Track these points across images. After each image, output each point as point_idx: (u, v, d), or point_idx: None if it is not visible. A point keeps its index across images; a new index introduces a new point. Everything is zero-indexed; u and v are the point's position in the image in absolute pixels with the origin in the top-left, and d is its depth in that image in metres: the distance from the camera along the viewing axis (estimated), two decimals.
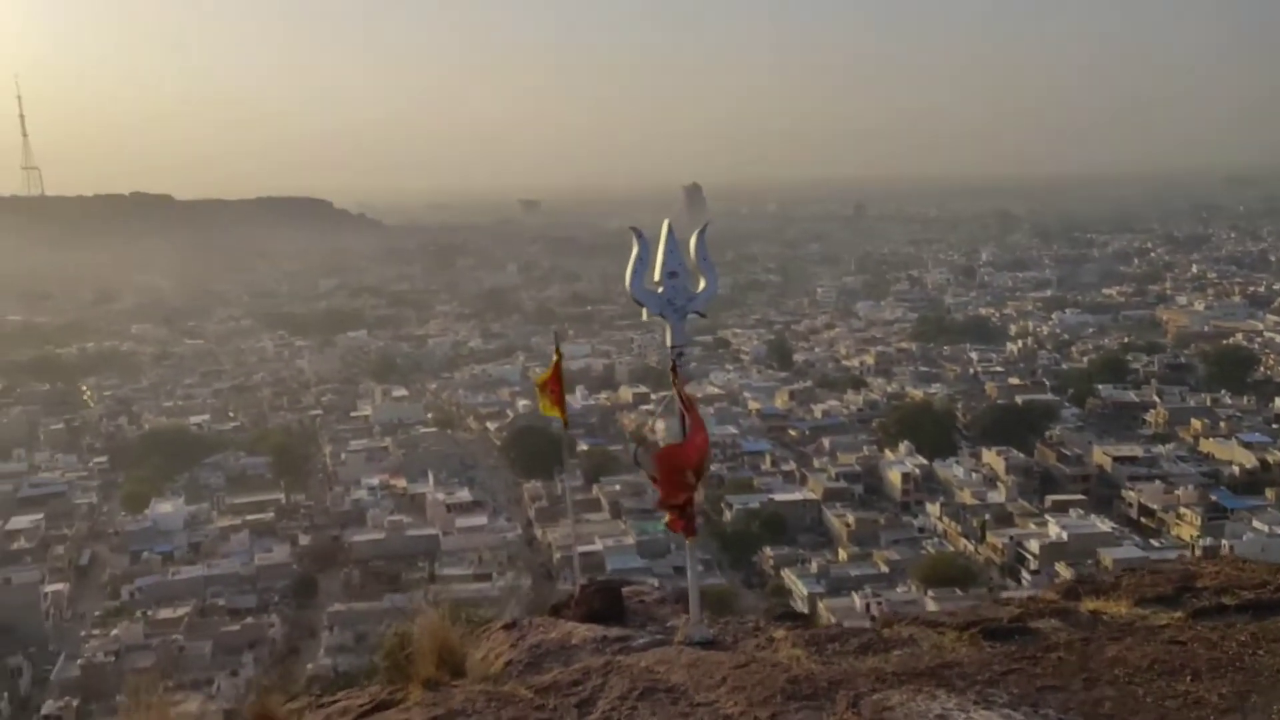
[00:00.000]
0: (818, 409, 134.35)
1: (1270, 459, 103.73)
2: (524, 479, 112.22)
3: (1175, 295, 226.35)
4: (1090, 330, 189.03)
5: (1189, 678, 6.95)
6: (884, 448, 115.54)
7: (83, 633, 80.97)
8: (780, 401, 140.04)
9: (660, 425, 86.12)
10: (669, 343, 9.07)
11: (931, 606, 72.74)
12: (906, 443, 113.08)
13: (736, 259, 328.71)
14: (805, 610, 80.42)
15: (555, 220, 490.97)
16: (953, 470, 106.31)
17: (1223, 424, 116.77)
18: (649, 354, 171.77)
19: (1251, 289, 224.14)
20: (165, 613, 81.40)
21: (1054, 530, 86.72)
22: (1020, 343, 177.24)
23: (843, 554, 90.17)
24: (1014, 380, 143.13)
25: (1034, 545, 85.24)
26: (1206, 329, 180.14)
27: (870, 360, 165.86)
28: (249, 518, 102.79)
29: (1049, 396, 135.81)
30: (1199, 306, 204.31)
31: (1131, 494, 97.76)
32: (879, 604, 75.61)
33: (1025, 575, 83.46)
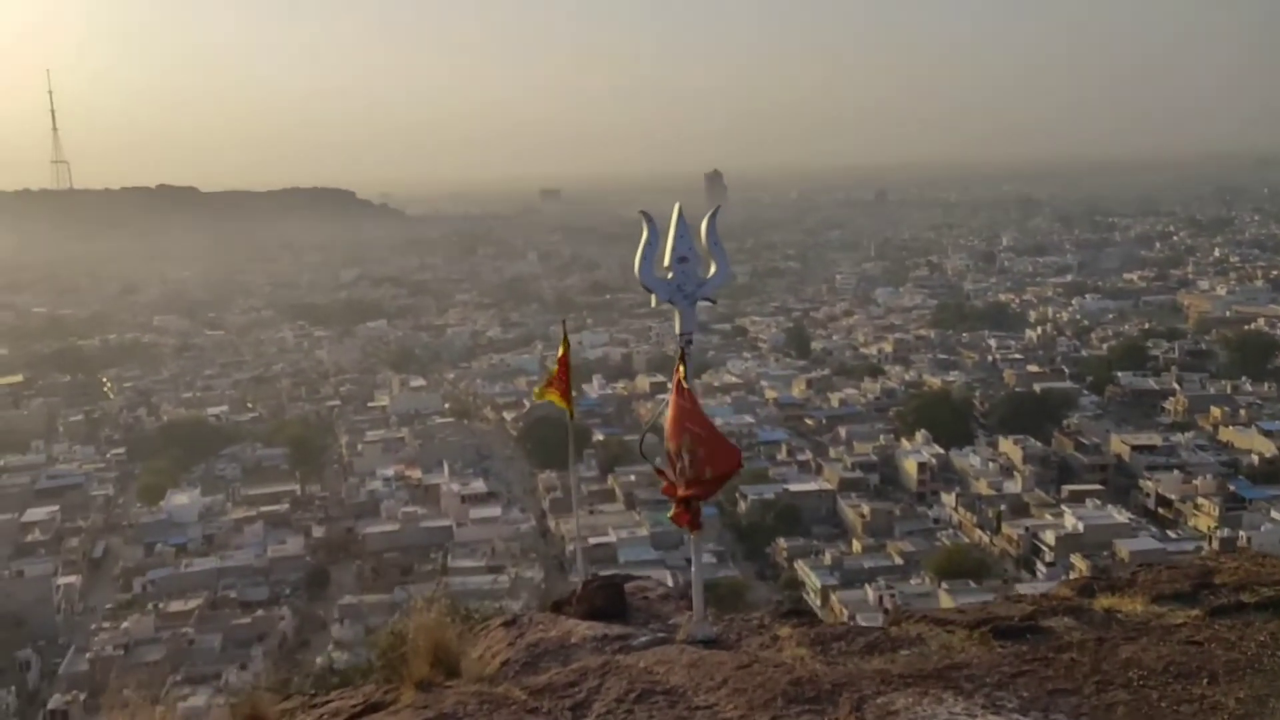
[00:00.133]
0: (835, 397, 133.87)
1: None
2: (539, 470, 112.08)
3: (1197, 280, 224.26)
4: (1110, 316, 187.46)
5: (1206, 681, 6.69)
6: (901, 436, 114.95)
7: (93, 626, 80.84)
8: (797, 390, 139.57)
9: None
10: (678, 330, 8.88)
11: (945, 599, 72.44)
12: (923, 431, 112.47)
13: (756, 246, 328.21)
14: (819, 600, 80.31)
15: (575, 209, 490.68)
16: (969, 459, 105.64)
17: (1243, 412, 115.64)
18: (666, 343, 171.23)
19: (1275, 273, 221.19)
20: (176, 605, 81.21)
21: (1070, 521, 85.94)
22: (1040, 329, 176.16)
23: (857, 545, 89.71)
24: (1033, 368, 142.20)
25: (1049, 537, 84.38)
26: (1228, 314, 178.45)
27: (888, 348, 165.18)
28: (264, 509, 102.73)
29: (1068, 384, 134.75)
30: (1221, 291, 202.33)
31: (1149, 484, 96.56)
32: (892, 597, 75.25)
33: (1040, 567, 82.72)
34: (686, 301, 8.81)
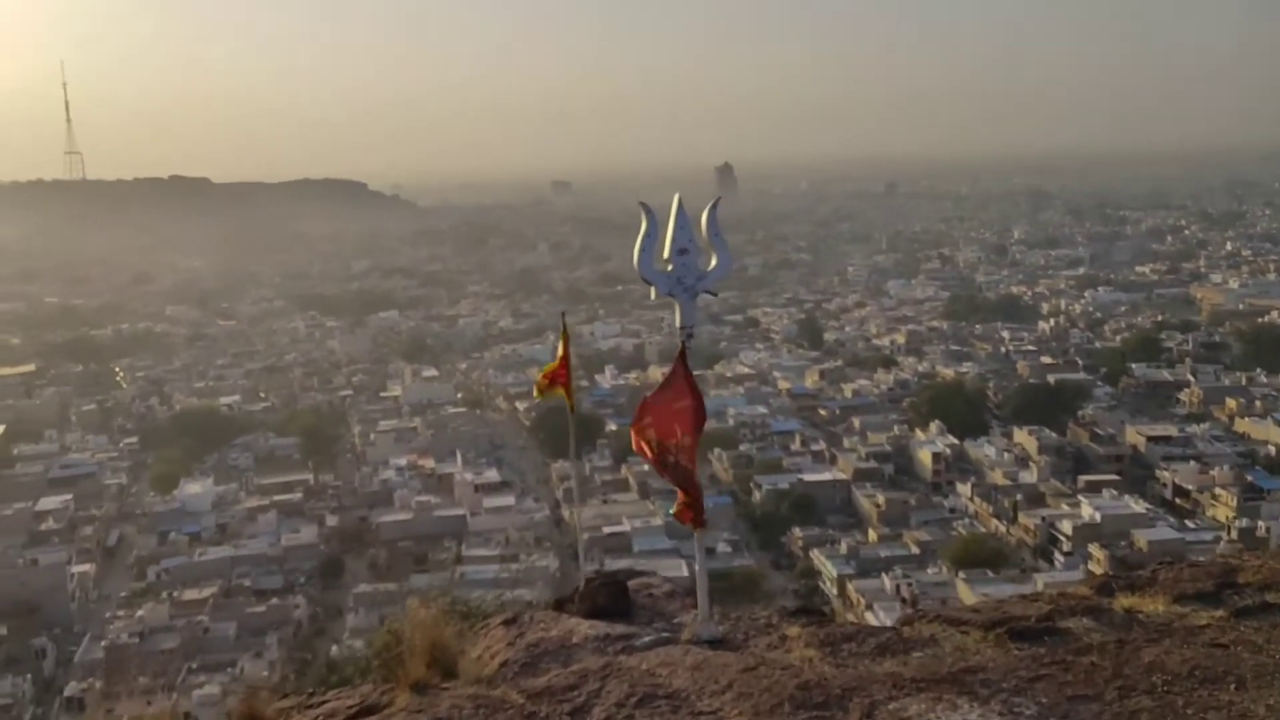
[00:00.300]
0: (848, 388, 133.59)
1: None
2: (552, 459, 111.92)
3: (1210, 273, 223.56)
4: (1123, 308, 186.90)
5: (1232, 686, 6.41)
6: (915, 427, 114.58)
7: (108, 614, 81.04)
8: (810, 381, 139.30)
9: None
10: (678, 323, 8.61)
11: (962, 588, 72.18)
12: (937, 422, 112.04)
13: (767, 238, 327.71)
14: (835, 589, 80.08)
15: (586, 200, 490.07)
16: (984, 450, 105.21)
17: (1258, 403, 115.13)
18: (678, 333, 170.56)
19: None
20: (191, 594, 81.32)
21: (1087, 511, 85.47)
22: (1052, 321, 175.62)
23: (872, 535, 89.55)
24: (1046, 359, 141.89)
25: (1067, 526, 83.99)
26: (1241, 307, 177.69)
27: (901, 339, 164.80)
28: (277, 498, 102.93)
29: (1081, 376, 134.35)
30: (1234, 284, 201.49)
31: (1166, 474, 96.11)
32: (909, 586, 74.99)
33: (1058, 557, 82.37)
34: (687, 294, 8.55)
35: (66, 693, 68.19)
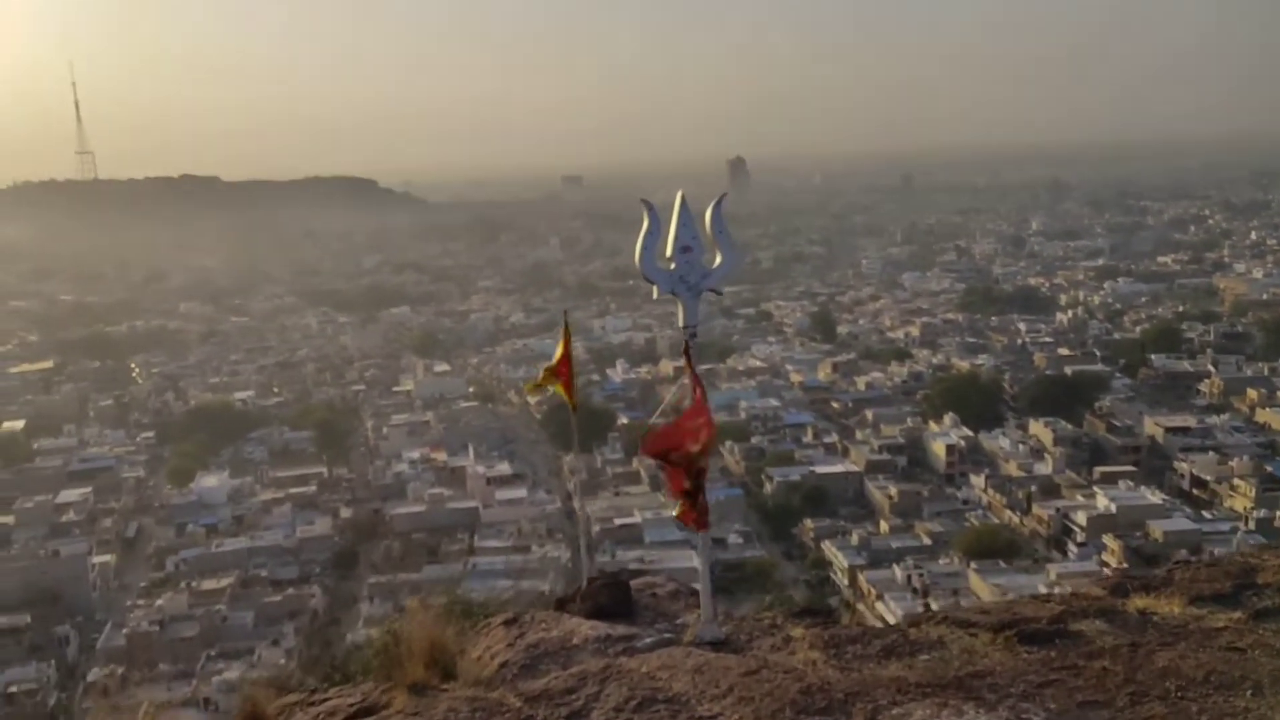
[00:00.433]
0: (861, 381, 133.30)
1: None
2: (564, 452, 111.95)
3: (1233, 263, 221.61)
4: (1143, 299, 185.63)
5: (1249, 692, 6.21)
6: (928, 420, 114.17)
7: (128, 603, 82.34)
8: (823, 373, 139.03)
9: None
10: (681, 323, 8.42)
11: (974, 579, 71.92)
12: (951, 414, 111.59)
13: (781, 232, 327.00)
14: (846, 580, 79.95)
15: (597, 195, 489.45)
16: (999, 442, 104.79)
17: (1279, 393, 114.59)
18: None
19: None
20: (209, 584, 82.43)
21: (1102, 502, 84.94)
22: (1070, 313, 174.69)
23: (884, 526, 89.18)
24: (1063, 351, 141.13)
25: (1081, 517, 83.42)
26: (1264, 297, 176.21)
27: (915, 332, 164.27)
28: (292, 491, 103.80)
29: (1099, 367, 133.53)
30: (1257, 274, 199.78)
31: (1184, 465, 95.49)
32: (920, 576, 74.84)
33: (1071, 548, 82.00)
34: (690, 293, 8.34)
35: (89, 679, 69.03)
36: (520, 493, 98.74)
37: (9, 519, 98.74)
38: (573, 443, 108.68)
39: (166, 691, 65.19)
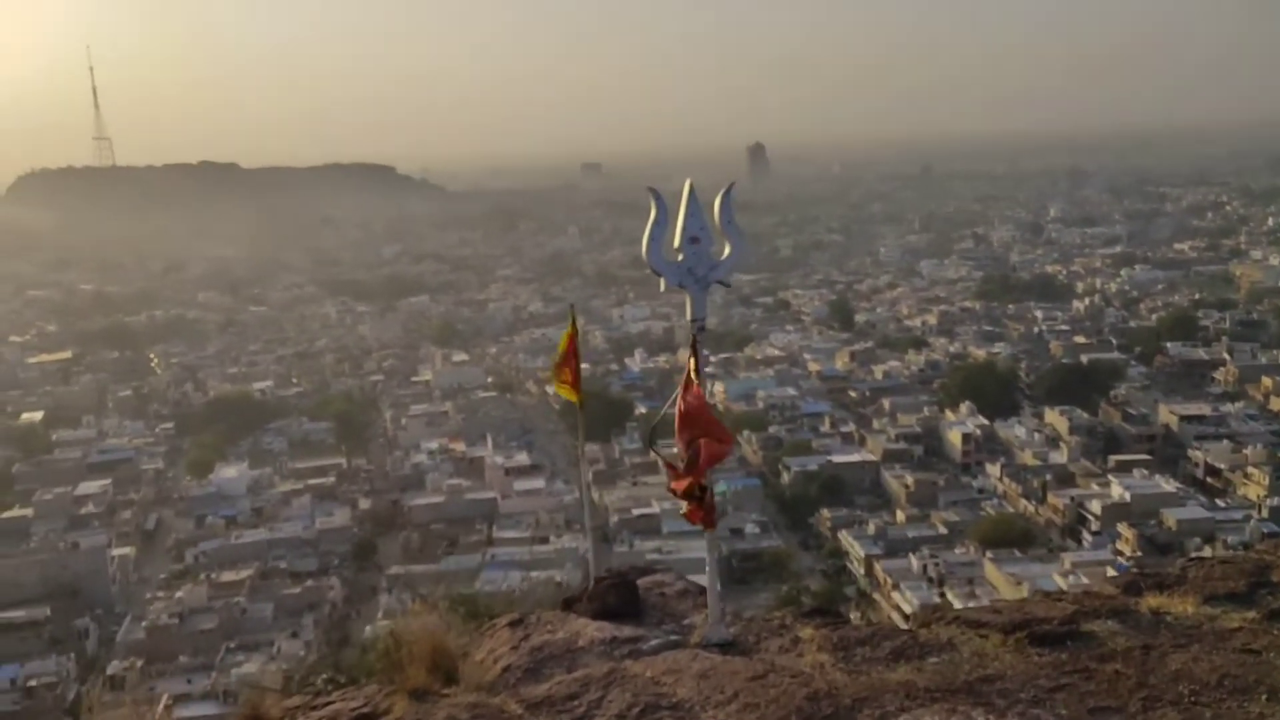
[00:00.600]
0: (878, 370, 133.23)
1: None
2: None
3: (1250, 250, 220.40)
4: (1160, 287, 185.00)
5: (1264, 697, 6.09)
6: (945, 408, 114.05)
7: (148, 595, 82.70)
8: (841, 362, 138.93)
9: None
10: (689, 316, 8.27)
11: (989, 568, 71.84)
12: (968, 403, 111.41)
13: (799, 219, 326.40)
14: (862, 569, 79.90)
15: (616, 183, 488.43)
16: (1014, 431, 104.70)
17: None
18: (709, 315, 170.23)
19: None
20: (228, 575, 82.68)
21: (1117, 490, 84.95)
22: (1087, 301, 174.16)
23: (901, 515, 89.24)
24: (1079, 339, 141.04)
25: (1096, 506, 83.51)
26: None
27: (933, 320, 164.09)
28: (310, 482, 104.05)
29: (1115, 355, 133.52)
30: (1275, 261, 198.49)
31: (1198, 454, 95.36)
32: (936, 565, 74.87)
33: (1086, 536, 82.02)
34: (698, 285, 8.20)
35: (109, 671, 69.07)
36: (538, 483, 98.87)
37: (28, 511, 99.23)
38: (594, 431, 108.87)
39: (186, 684, 65.54)
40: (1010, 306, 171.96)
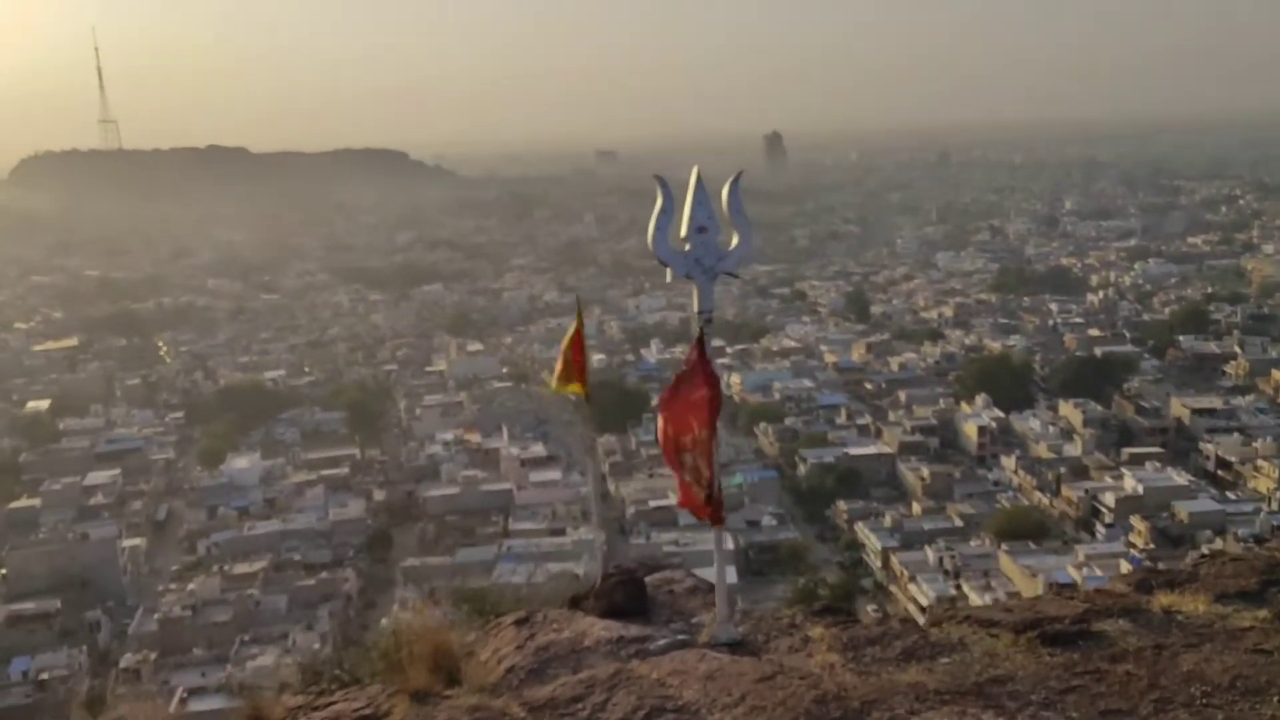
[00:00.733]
0: (895, 361, 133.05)
1: None
2: (598, 433, 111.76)
3: (1262, 244, 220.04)
4: (1173, 280, 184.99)
5: (1276, 698, 6.00)
6: (960, 401, 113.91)
7: (160, 587, 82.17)
8: (857, 354, 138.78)
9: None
10: (696, 307, 8.13)
11: (1005, 560, 71.71)
12: (983, 395, 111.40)
13: (816, 209, 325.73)
14: (879, 561, 79.77)
15: (632, 170, 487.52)
16: (1029, 423, 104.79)
17: None
18: (724, 306, 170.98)
19: None
20: (241, 567, 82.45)
21: (1129, 483, 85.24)
22: (1101, 294, 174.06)
23: (917, 508, 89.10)
24: (1094, 332, 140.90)
25: (1109, 499, 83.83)
26: None
27: (949, 312, 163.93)
28: (324, 473, 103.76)
29: (1129, 348, 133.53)
30: None
31: (1209, 446, 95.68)
32: (952, 558, 74.85)
33: (1099, 529, 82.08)
34: (705, 276, 8.03)
35: (122, 664, 69.05)
36: (554, 474, 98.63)
37: (36, 501, 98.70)
38: (610, 421, 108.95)
39: (201, 677, 65.31)
40: (1025, 299, 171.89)
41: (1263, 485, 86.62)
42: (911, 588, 73.52)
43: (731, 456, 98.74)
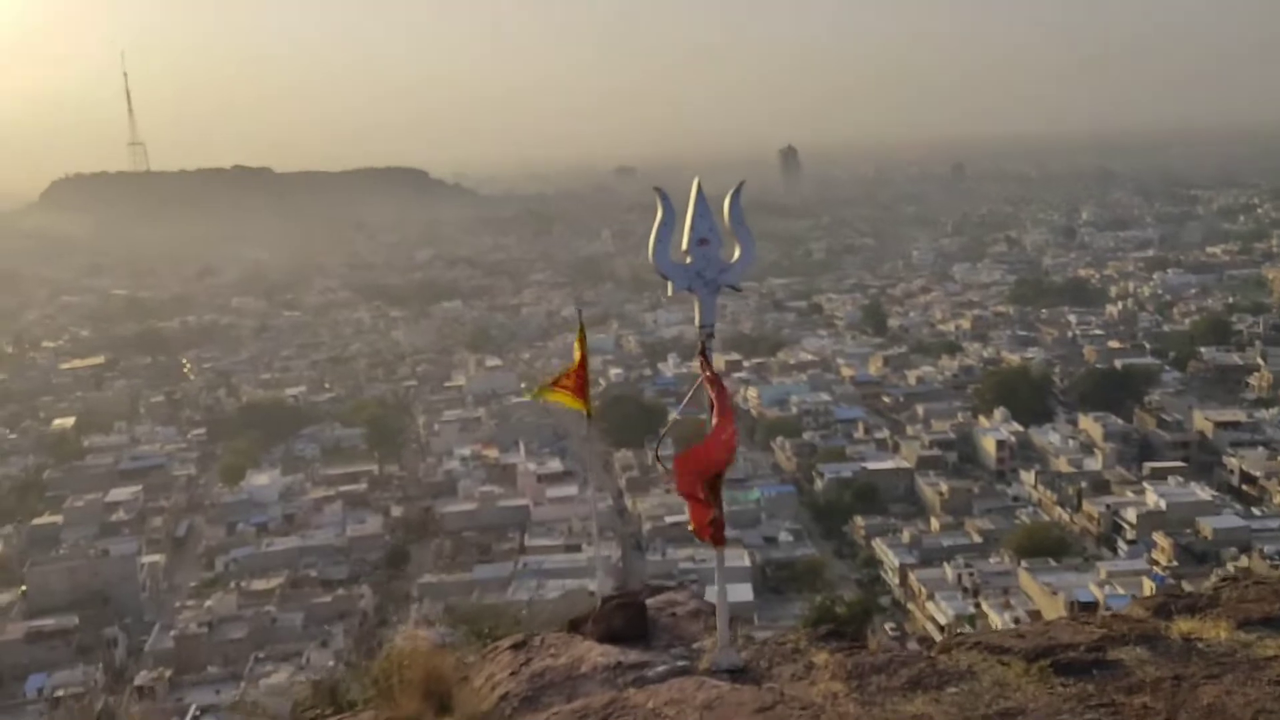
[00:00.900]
0: (912, 375, 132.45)
1: None
2: (615, 448, 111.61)
3: None
4: (1193, 291, 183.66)
5: None
6: (979, 414, 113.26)
7: (177, 604, 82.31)
8: (874, 367, 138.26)
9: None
10: (698, 321, 7.95)
11: (1024, 577, 70.91)
12: (1002, 409, 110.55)
13: (832, 222, 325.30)
14: (897, 579, 79.12)
15: (650, 186, 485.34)
16: (1049, 437, 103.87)
17: None
18: (741, 320, 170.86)
19: None
20: (259, 584, 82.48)
21: (1152, 499, 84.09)
22: (1120, 305, 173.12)
23: (935, 524, 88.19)
24: (1113, 344, 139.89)
25: (1131, 514, 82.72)
26: None
27: (966, 325, 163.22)
28: (343, 489, 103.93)
29: (1149, 360, 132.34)
30: None
31: (1233, 461, 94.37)
32: (971, 575, 74.05)
33: (1122, 545, 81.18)
34: (707, 289, 7.87)
35: (137, 682, 68.99)
36: (571, 490, 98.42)
37: (58, 518, 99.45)
38: (626, 437, 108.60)
39: (215, 695, 65.12)
40: (1044, 311, 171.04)
41: None
42: (930, 606, 72.78)
43: (748, 471, 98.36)
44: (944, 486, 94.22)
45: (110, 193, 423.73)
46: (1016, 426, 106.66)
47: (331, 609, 79.08)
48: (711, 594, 9.32)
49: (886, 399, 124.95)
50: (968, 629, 60.38)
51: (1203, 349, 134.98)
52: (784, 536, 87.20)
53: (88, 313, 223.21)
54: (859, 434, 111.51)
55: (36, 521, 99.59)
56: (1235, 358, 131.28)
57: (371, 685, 7.95)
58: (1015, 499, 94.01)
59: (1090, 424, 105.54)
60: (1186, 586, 54.19)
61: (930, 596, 73.15)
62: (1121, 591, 62.22)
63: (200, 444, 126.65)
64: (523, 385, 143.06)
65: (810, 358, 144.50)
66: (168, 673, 69.04)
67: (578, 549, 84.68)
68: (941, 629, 66.73)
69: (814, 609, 63.72)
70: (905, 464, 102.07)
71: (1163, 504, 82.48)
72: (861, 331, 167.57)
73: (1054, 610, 62.74)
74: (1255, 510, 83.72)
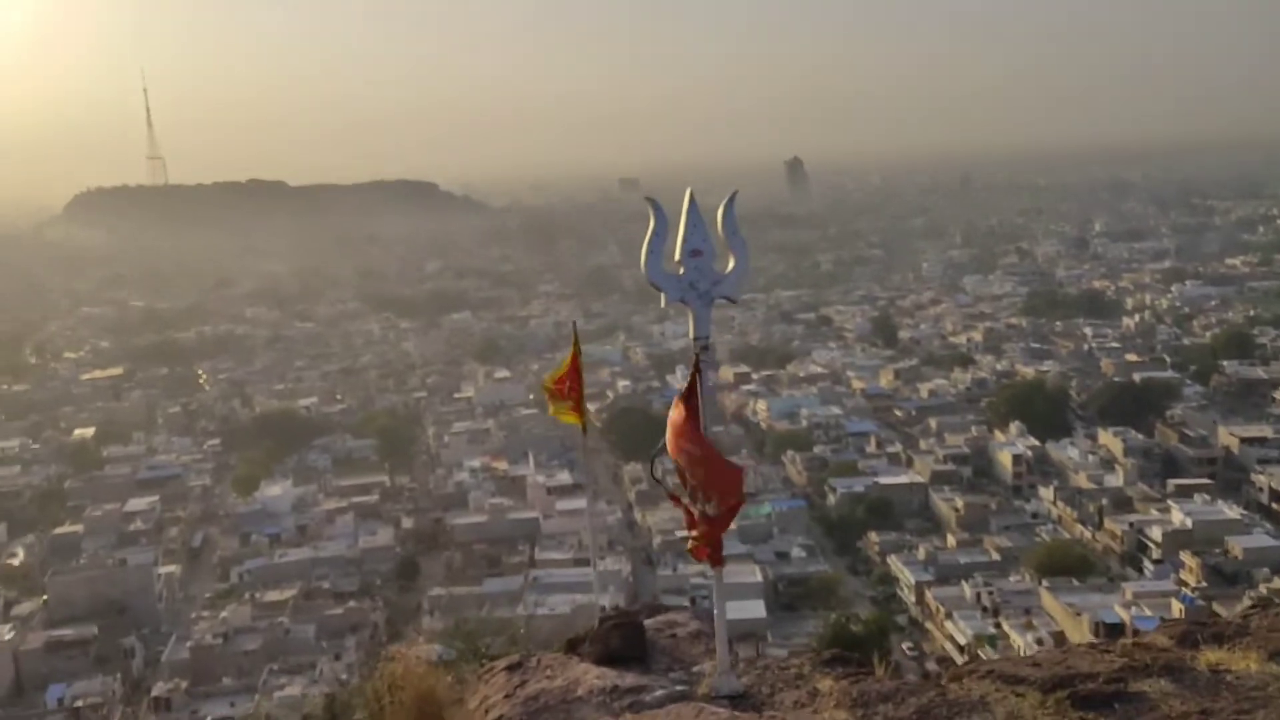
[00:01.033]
0: (924, 388, 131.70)
1: None
2: (624, 461, 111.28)
3: None
4: (1213, 303, 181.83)
5: None
6: (994, 428, 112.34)
7: (193, 614, 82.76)
8: (885, 380, 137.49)
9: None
10: (692, 334, 7.64)
11: (1046, 597, 69.84)
12: (1017, 423, 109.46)
13: (840, 234, 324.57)
14: (913, 597, 78.35)
15: (655, 198, 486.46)
16: (1067, 452, 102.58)
17: None
18: (749, 331, 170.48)
19: None
20: (272, 595, 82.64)
21: (1177, 517, 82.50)
22: (1138, 317, 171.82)
23: (951, 540, 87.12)
24: (1131, 357, 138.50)
25: (1156, 532, 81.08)
26: None
27: (978, 337, 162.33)
28: (354, 500, 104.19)
29: (1169, 374, 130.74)
30: None
31: (1261, 478, 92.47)
32: (990, 594, 72.91)
33: (1147, 565, 79.42)
34: (701, 301, 7.58)
35: (154, 693, 69.21)
36: (580, 503, 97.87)
37: (78, 527, 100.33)
38: (635, 450, 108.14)
39: (229, 707, 65.11)
40: (1058, 323, 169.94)
41: None
42: (948, 625, 71.65)
43: (759, 485, 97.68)
44: (959, 502, 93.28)
45: (130, 206, 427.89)
46: (1033, 441, 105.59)
47: (344, 621, 79.30)
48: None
49: (898, 412, 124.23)
50: (988, 649, 59.66)
51: (1225, 363, 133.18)
52: (796, 552, 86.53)
53: (108, 324, 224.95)
54: (871, 448, 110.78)
55: (58, 531, 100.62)
56: (1260, 372, 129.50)
57: (365, 706, 7.66)
58: (1034, 515, 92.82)
59: (1110, 439, 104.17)
60: (1218, 608, 53.32)
61: (949, 615, 72.01)
62: (1149, 613, 60.94)
63: (215, 454, 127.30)
64: (530, 397, 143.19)
65: (820, 370, 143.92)
66: (184, 684, 69.29)
67: (587, 563, 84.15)
68: (961, 649, 65.82)
69: (828, 627, 63.03)
70: (919, 479, 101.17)
71: (1189, 522, 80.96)
72: (872, 344, 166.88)
73: (1078, 632, 61.83)
74: None
